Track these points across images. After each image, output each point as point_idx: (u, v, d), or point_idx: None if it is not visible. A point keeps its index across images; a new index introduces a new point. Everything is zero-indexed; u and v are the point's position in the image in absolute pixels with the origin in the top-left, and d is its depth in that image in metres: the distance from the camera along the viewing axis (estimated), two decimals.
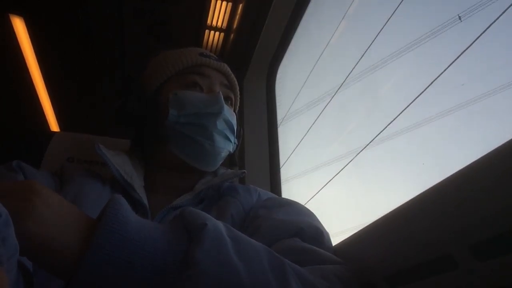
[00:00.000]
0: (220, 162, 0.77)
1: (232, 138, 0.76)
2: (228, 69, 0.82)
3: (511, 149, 0.33)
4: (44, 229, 0.33)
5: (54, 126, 2.84)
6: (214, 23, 1.62)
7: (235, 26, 1.59)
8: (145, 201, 0.66)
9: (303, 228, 0.56)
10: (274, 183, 1.42)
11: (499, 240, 0.33)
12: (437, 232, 0.39)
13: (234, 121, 0.76)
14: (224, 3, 1.52)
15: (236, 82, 0.84)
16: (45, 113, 2.69)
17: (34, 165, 0.69)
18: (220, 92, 0.74)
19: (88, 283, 0.34)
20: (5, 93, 2.39)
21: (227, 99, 0.78)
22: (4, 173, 0.63)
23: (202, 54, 0.79)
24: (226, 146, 0.74)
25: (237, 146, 0.81)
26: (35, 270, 0.44)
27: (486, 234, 0.34)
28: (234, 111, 0.82)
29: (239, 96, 0.85)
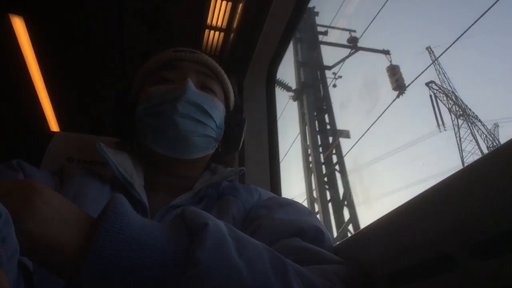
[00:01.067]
0: (199, 148, 0.74)
1: (209, 121, 0.73)
2: (206, 58, 0.80)
3: (511, 149, 0.33)
4: (44, 229, 0.33)
5: (54, 126, 2.84)
6: (214, 22, 1.62)
7: (235, 25, 1.59)
8: (145, 200, 0.66)
9: (304, 228, 0.56)
10: (274, 183, 1.42)
11: (499, 240, 0.33)
12: (437, 232, 0.39)
13: (210, 104, 0.73)
14: (224, 2, 1.52)
15: (221, 70, 0.82)
16: (45, 113, 2.69)
17: (34, 165, 0.69)
18: (188, 79, 0.72)
19: (88, 283, 0.34)
20: (5, 93, 2.39)
21: (204, 86, 0.76)
22: (4, 172, 0.63)
23: (176, 49, 0.79)
24: (199, 129, 0.71)
25: (234, 136, 0.80)
26: (35, 269, 0.44)
27: (486, 234, 0.34)
28: (227, 100, 0.81)
29: (230, 85, 0.83)
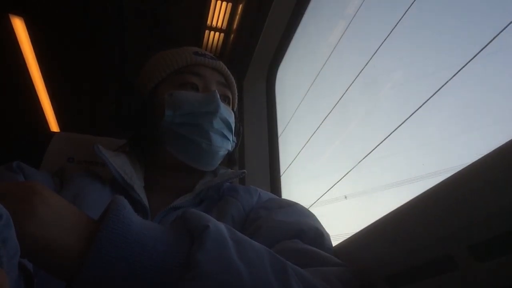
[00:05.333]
0: (219, 161, 0.76)
1: (230, 136, 0.76)
2: (224, 67, 0.81)
3: (511, 150, 0.33)
4: (44, 231, 0.33)
5: (54, 126, 2.85)
6: (214, 23, 1.62)
7: (235, 26, 1.59)
8: (145, 201, 0.66)
9: (304, 230, 0.56)
10: (274, 183, 1.42)
11: (499, 241, 0.33)
12: (437, 233, 0.39)
13: (231, 119, 0.76)
14: (224, 3, 1.52)
15: (233, 80, 0.83)
16: (45, 113, 2.70)
17: (34, 165, 0.69)
18: (216, 91, 0.73)
19: (89, 284, 0.34)
20: (5, 93, 2.39)
21: (224, 97, 0.77)
22: (4, 174, 0.63)
23: (197, 53, 0.79)
24: (224, 145, 0.74)
25: (236, 144, 0.81)
26: (36, 271, 0.44)
27: (485, 235, 0.34)
28: (233, 109, 0.82)
29: (237, 94, 0.85)
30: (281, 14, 1.37)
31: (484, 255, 0.34)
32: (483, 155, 0.35)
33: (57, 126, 2.85)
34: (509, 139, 0.33)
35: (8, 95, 2.42)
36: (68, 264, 0.34)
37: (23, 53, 2.12)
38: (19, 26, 1.95)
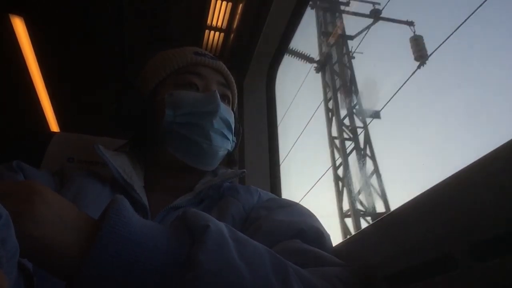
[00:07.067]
0: (219, 161, 0.76)
1: (230, 136, 0.76)
2: (224, 67, 0.81)
3: (511, 150, 0.33)
4: (44, 230, 0.33)
5: (54, 126, 2.84)
6: (214, 23, 1.62)
7: (235, 26, 1.59)
8: (145, 201, 0.66)
9: (304, 230, 0.56)
10: (274, 183, 1.42)
11: (499, 241, 0.33)
12: (437, 233, 0.39)
13: (231, 119, 0.76)
14: (224, 3, 1.52)
15: (233, 80, 0.83)
16: (45, 113, 2.69)
17: (34, 165, 0.69)
18: (216, 91, 0.73)
19: (89, 284, 0.34)
20: (4, 93, 2.39)
21: (224, 97, 0.78)
22: (4, 173, 0.63)
23: (197, 53, 0.79)
24: (224, 145, 0.74)
25: (236, 144, 0.81)
26: (35, 271, 0.44)
27: (486, 234, 0.34)
28: (233, 109, 0.82)
29: (236, 94, 0.85)
30: (281, 14, 1.37)
31: (485, 254, 0.34)
32: (483, 155, 0.35)
33: (57, 126, 2.85)
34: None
35: (8, 95, 2.42)
36: (68, 264, 0.34)
37: (23, 53, 2.12)
38: (19, 26, 1.95)
